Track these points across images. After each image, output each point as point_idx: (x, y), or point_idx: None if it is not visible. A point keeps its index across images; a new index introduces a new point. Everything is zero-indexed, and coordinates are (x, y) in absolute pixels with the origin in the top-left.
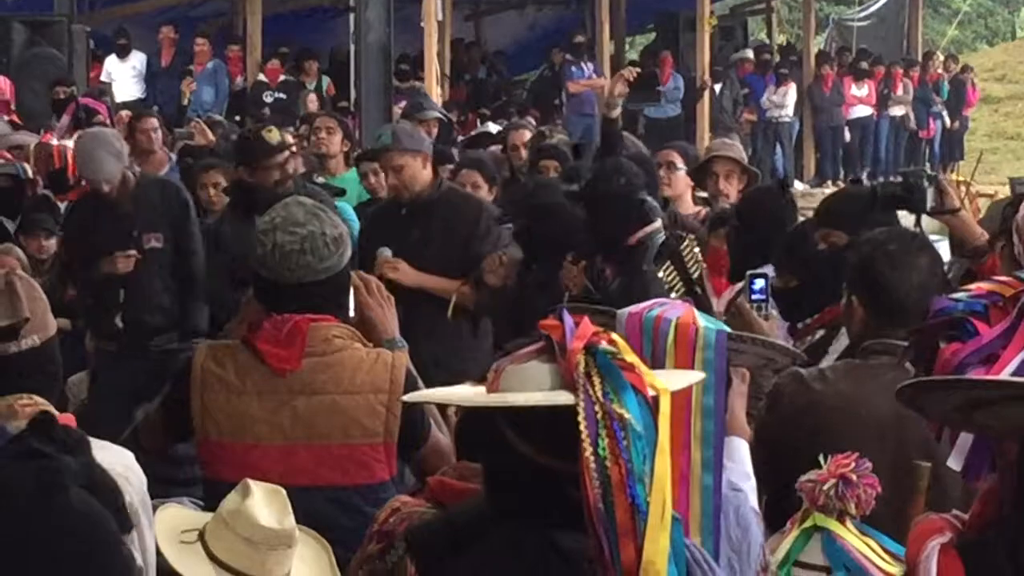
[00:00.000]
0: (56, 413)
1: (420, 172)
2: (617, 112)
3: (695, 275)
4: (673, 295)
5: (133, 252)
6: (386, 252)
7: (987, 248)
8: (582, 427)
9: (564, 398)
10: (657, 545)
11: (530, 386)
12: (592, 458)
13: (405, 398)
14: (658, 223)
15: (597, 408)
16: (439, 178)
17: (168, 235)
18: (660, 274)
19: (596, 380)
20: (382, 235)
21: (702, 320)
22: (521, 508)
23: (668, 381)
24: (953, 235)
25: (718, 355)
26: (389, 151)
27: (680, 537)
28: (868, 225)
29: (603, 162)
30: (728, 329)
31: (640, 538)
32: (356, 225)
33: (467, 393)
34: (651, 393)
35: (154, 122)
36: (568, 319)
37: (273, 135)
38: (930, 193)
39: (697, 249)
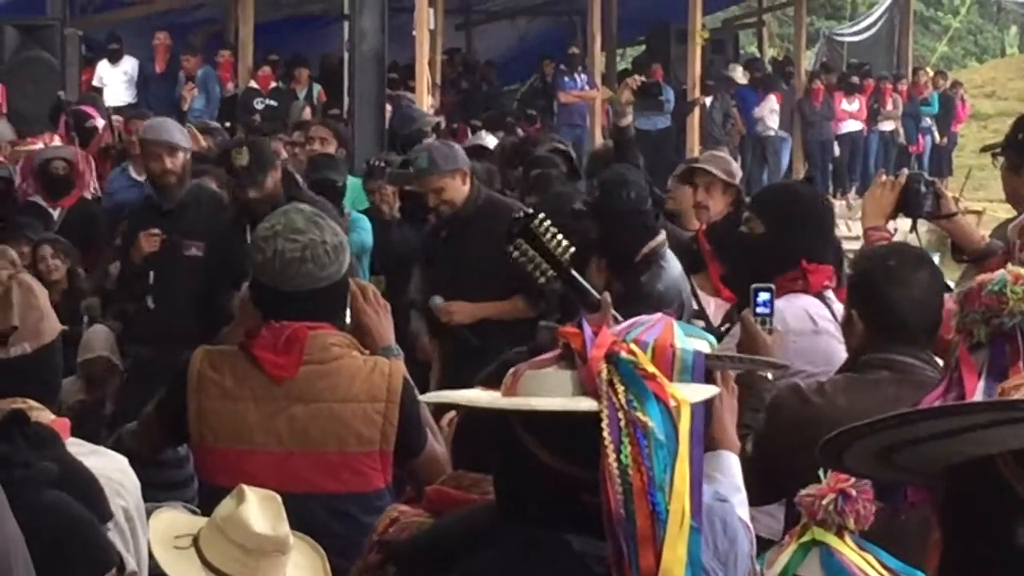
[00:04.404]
0: (29, 414)
1: (460, 189)
2: (628, 120)
3: (563, 254)
4: (542, 280)
5: (157, 231)
6: (437, 300)
7: (988, 251)
8: (605, 434)
9: (587, 404)
10: (675, 553)
11: (550, 392)
12: (615, 465)
13: (423, 398)
14: (662, 236)
15: (621, 415)
16: (476, 188)
17: (208, 246)
18: (517, 255)
19: (619, 388)
20: (436, 259)
21: (680, 341)
22: (535, 512)
23: (687, 393)
24: (953, 241)
25: (696, 377)
26: (428, 175)
27: (698, 546)
28: (788, 222)
29: (607, 176)
30: (710, 338)
31: (659, 545)
32: (369, 237)
33: (485, 396)
34: (672, 403)
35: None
36: (587, 327)
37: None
38: (927, 199)
39: (549, 224)
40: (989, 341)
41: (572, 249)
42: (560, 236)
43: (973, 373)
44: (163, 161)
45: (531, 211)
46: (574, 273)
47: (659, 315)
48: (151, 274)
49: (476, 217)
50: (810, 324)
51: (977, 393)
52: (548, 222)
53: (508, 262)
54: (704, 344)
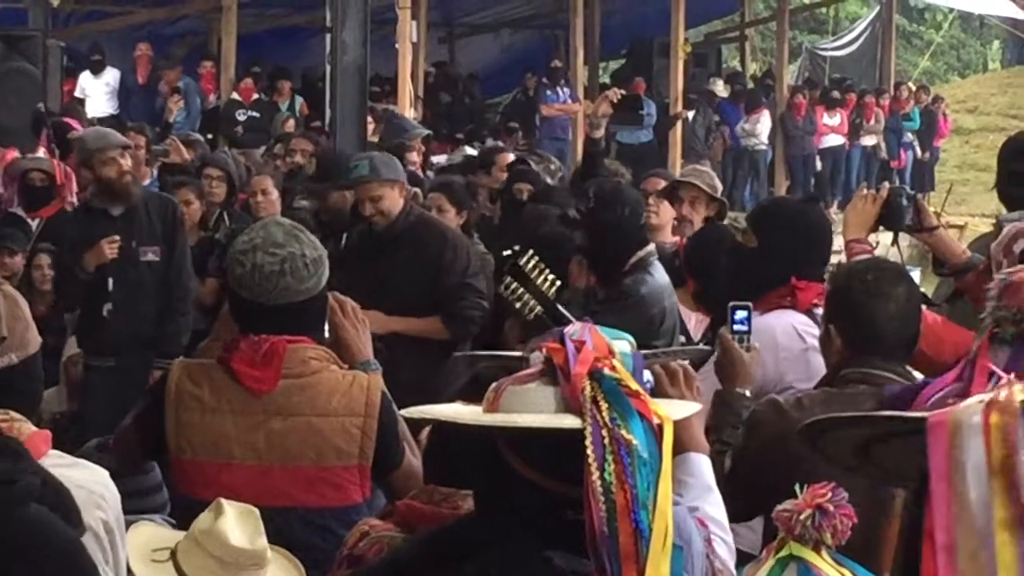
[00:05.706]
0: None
1: (396, 201)
2: (600, 133)
3: (549, 289)
4: (530, 317)
5: (117, 238)
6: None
7: (969, 265)
8: (589, 452)
9: (570, 421)
10: (658, 571)
11: (533, 408)
12: (598, 483)
13: (404, 413)
14: (651, 246)
15: (604, 433)
16: (408, 206)
17: (164, 250)
18: (507, 293)
19: (603, 405)
20: (355, 266)
21: (616, 344)
22: (517, 529)
23: (670, 410)
24: (935, 254)
25: (637, 378)
26: (368, 182)
27: (680, 564)
28: (780, 238)
29: (601, 188)
30: (628, 336)
31: (642, 563)
32: None
33: (467, 412)
34: (655, 421)
35: (134, 136)
36: (569, 343)
37: None
38: (909, 212)
39: (537, 261)
40: (1014, 342)
41: (558, 283)
42: (545, 271)
43: (986, 368)
44: (119, 163)
45: (518, 248)
46: (560, 308)
47: (579, 323)
48: (110, 281)
49: (404, 234)
50: (799, 341)
51: (989, 386)
52: (535, 259)
53: (429, 283)
54: (625, 344)
